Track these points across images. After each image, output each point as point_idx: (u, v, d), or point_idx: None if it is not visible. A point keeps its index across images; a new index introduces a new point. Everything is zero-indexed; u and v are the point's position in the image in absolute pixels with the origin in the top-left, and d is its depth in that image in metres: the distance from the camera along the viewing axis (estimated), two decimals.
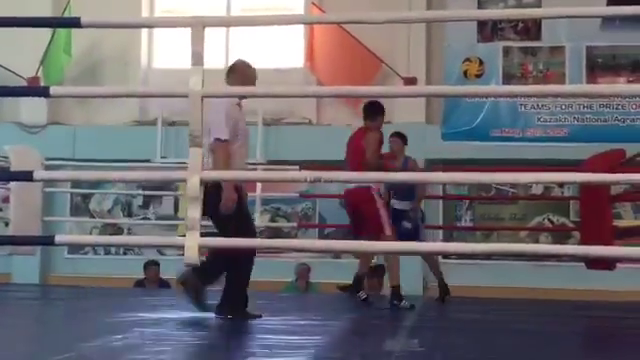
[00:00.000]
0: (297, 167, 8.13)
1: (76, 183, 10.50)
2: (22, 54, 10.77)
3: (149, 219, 11.13)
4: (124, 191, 10.99)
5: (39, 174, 3.36)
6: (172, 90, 3.82)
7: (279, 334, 4.25)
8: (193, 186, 3.14)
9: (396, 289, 6.19)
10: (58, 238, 3.29)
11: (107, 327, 4.43)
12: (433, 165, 10.00)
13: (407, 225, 7.05)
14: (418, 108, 10.66)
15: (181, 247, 2.98)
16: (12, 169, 7.30)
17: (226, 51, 11.12)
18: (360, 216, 6.33)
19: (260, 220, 9.50)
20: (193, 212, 3.16)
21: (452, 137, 10.68)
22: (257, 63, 11.47)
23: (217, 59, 9.94)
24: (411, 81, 10.38)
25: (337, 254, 10.78)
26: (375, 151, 6.35)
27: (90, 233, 10.95)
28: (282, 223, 10.83)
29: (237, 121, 5.06)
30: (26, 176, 3.47)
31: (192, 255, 3.12)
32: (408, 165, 7.38)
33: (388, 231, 6.11)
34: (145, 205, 11.32)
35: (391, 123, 10.95)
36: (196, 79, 3.20)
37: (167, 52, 11.54)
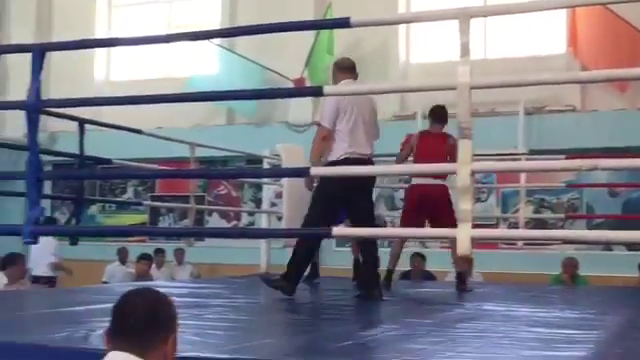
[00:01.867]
0: (562, 156, 7.86)
1: None
2: (287, 57, 11.36)
3: None
4: (388, 185, 11.21)
5: (315, 170, 3.52)
6: (435, 84, 3.81)
7: (552, 327, 4.14)
8: (464, 177, 3.14)
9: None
10: (335, 230, 3.43)
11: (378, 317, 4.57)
12: None
13: None
14: None
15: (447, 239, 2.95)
16: (283, 166, 7.74)
17: (484, 41, 11.05)
18: (437, 211, 6.39)
19: (524, 211, 9.30)
20: (465, 204, 3.16)
21: None
22: (515, 51, 11.32)
23: (476, 50, 9.87)
24: None
25: (608, 246, 10.30)
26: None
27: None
28: (547, 214, 10.52)
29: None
30: (303, 172, 3.65)
31: (465, 246, 3.12)
32: None
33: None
34: None
35: None
36: (464, 70, 3.19)
37: (424, 47, 11.65)
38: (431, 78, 8.53)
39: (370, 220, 5.53)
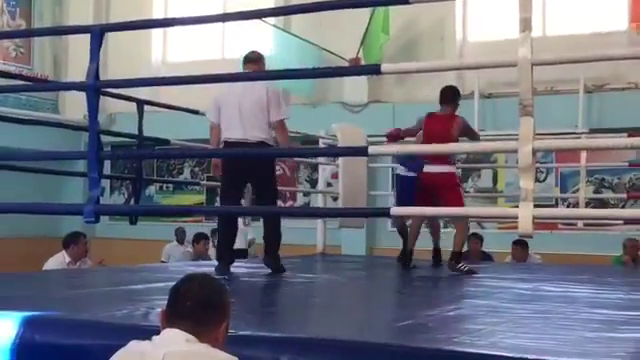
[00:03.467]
0: (624, 134, 7.69)
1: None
2: (343, 37, 11.30)
3: (468, 192, 11.17)
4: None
5: (373, 149, 3.49)
6: (495, 61, 3.75)
7: (614, 309, 4.06)
8: (525, 155, 3.08)
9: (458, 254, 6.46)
10: (393, 210, 3.40)
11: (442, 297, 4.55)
12: None
13: None
14: None
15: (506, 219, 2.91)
16: (339, 146, 7.72)
17: (543, 18, 10.85)
18: (438, 198, 6.36)
19: (584, 191, 9.13)
20: (527, 182, 3.10)
21: None
22: (575, 28, 11.07)
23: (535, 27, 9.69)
24: None
25: None
26: (476, 133, 6.93)
27: None
28: (608, 194, 10.32)
29: None
30: (362, 151, 3.63)
31: (526, 226, 3.07)
32: None
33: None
34: (464, 178, 11.38)
35: None
36: (525, 47, 3.13)
37: (481, 25, 11.49)
38: (488, 56, 8.40)
39: (266, 190, 6.08)
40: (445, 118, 6.64)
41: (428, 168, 6.56)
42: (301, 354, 2.80)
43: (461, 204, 6.39)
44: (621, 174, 10.41)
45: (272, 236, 6.11)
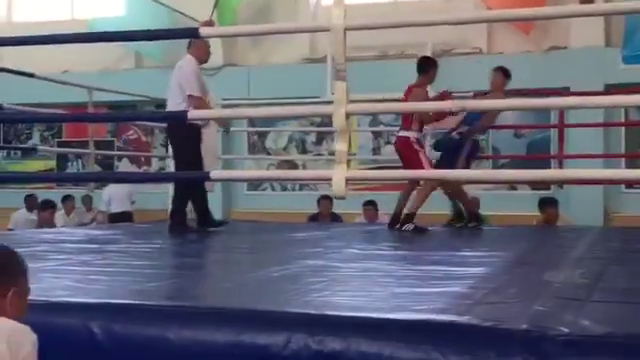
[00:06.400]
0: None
1: (252, 122, 10.88)
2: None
3: (322, 155, 11.35)
4: (298, 128, 11.24)
5: (192, 114, 3.49)
6: (308, 26, 3.81)
7: (437, 265, 4.24)
8: (339, 119, 3.16)
9: (411, 217, 6.72)
10: (213, 173, 3.43)
11: (273, 259, 4.62)
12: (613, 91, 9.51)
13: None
14: (596, 30, 10.14)
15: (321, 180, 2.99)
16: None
17: None
18: (404, 161, 6.80)
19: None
20: (341, 145, 3.19)
21: (634, 60, 10.06)
22: None
23: None
24: (588, 1, 9.84)
25: (513, 185, 10.58)
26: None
27: (267, 169, 11.33)
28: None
29: (202, 78, 6.51)
30: (181, 116, 3.62)
31: (339, 188, 3.15)
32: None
33: (427, 167, 6.58)
34: (318, 142, 11.53)
35: (567, 48, 10.52)
36: (339, 12, 3.19)
37: None
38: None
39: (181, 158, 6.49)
40: (408, 89, 6.92)
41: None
42: (114, 320, 2.79)
43: (420, 167, 6.52)
44: None
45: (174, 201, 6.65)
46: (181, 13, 11.04)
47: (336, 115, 3.17)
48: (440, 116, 6.78)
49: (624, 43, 10.18)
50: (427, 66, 7.05)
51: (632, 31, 10.07)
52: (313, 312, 2.71)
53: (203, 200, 6.66)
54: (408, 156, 6.74)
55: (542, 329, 2.47)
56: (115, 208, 10.82)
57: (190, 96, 6.18)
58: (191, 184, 6.45)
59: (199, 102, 6.14)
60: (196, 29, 3.46)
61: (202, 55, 6.68)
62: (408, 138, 6.82)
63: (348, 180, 3.15)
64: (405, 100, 6.75)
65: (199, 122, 6.21)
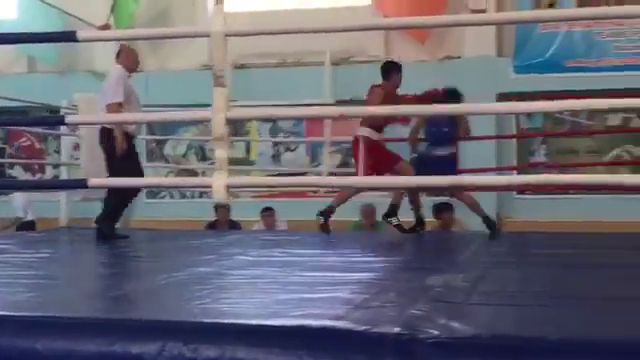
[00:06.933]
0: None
1: (151, 129, 10.74)
2: (92, 3, 10.97)
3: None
4: (198, 137, 11.15)
5: (70, 118, 3.42)
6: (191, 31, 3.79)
7: (326, 271, 4.27)
8: (218, 125, 3.15)
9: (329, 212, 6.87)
10: (91, 181, 3.36)
11: (163, 267, 4.56)
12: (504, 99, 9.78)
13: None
14: (488, 41, 10.43)
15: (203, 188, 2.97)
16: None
17: None
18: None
19: (331, 160, 9.53)
20: (220, 152, 3.18)
21: (525, 70, 10.42)
22: (323, 2, 11.41)
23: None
24: (480, 12, 10.13)
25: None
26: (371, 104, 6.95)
27: (166, 177, 11.18)
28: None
29: (129, 87, 6.39)
30: (60, 120, 3.55)
31: (220, 195, 3.14)
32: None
33: (360, 173, 6.68)
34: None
35: (461, 58, 10.78)
36: (218, 18, 3.18)
37: None
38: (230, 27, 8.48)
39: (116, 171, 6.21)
40: (370, 88, 7.03)
41: None
42: None
43: (356, 168, 6.79)
44: None
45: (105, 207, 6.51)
46: (76, 17, 10.81)
47: (215, 121, 3.16)
48: (391, 118, 6.97)
49: (515, 53, 10.52)
50: (389, 70, 7.09)
51: (523, 42, 10.42)
52: (187, 320, 2.69)
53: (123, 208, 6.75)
54: (354, 155, 6.94)
55: (413, 332, 2.52)
56: (31, 216, 10.63)
57: (108, 105, 6.13)
58: (126, 192, 6.41)
59: (114, 108, 6.08)
60: (74, 32, 3.39)
61: (130, 64, 6.62)
62: (358, 138, 6.84)
63: (229, 187, 3.14)
64: (367, 101, 6.88)
65: (130, 130, 6.36)
